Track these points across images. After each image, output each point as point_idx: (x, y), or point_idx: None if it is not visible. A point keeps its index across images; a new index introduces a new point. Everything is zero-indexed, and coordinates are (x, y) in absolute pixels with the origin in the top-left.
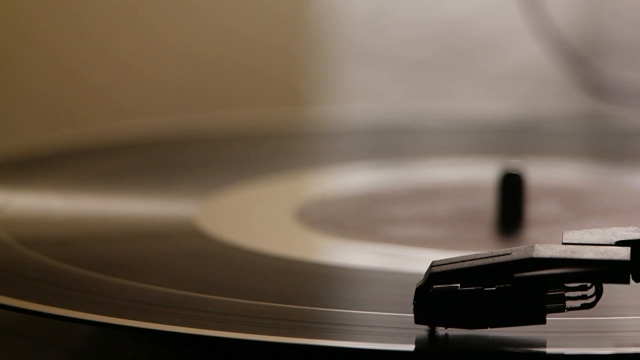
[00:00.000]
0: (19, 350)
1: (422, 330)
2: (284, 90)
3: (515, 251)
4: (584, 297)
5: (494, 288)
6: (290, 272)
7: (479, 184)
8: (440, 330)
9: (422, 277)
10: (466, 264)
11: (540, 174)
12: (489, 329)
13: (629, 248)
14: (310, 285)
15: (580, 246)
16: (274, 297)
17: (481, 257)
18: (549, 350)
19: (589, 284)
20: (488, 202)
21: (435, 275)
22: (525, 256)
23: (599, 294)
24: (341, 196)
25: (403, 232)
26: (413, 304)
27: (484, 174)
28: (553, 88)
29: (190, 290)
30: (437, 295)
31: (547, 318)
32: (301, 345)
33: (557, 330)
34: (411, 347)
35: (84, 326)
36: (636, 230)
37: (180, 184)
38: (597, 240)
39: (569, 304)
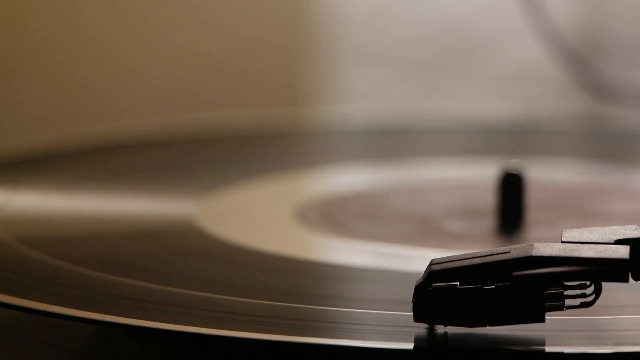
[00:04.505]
0: (19, 350)
1: (422, 328)
2: (284, 90)
3: (515, 249)
4: (583, 295)
5: (493, 286)
6: (289, 271)
7: (479, 184)
8: (440, 329)
9: (421, 276)
10: (465, 262)
11: (540, 174)
12: (488, 327)
13: (628, 247)
14: (309, 284)
15: (579, 245)
16: (273, 295)
17: (480, 255)
18: (548, 348)
19: (588, 283)
20: (488, 202)
21: (435, 273)
22: (525, 254)
23: (598, 292)
24: (341, 196)
25: (402, 232)
26: (412, 302)
27: (484, 174)
28: (553, 88)
29: (190, 288)
30: (437, 293)
31: (546, 316)
32: (300, 343)
33: (556, 328)
34: (410, 346)
35: (84, 325)
36: (635, 229)
37: (180, 183)
38: (596, 238)
39: (568, 302)
